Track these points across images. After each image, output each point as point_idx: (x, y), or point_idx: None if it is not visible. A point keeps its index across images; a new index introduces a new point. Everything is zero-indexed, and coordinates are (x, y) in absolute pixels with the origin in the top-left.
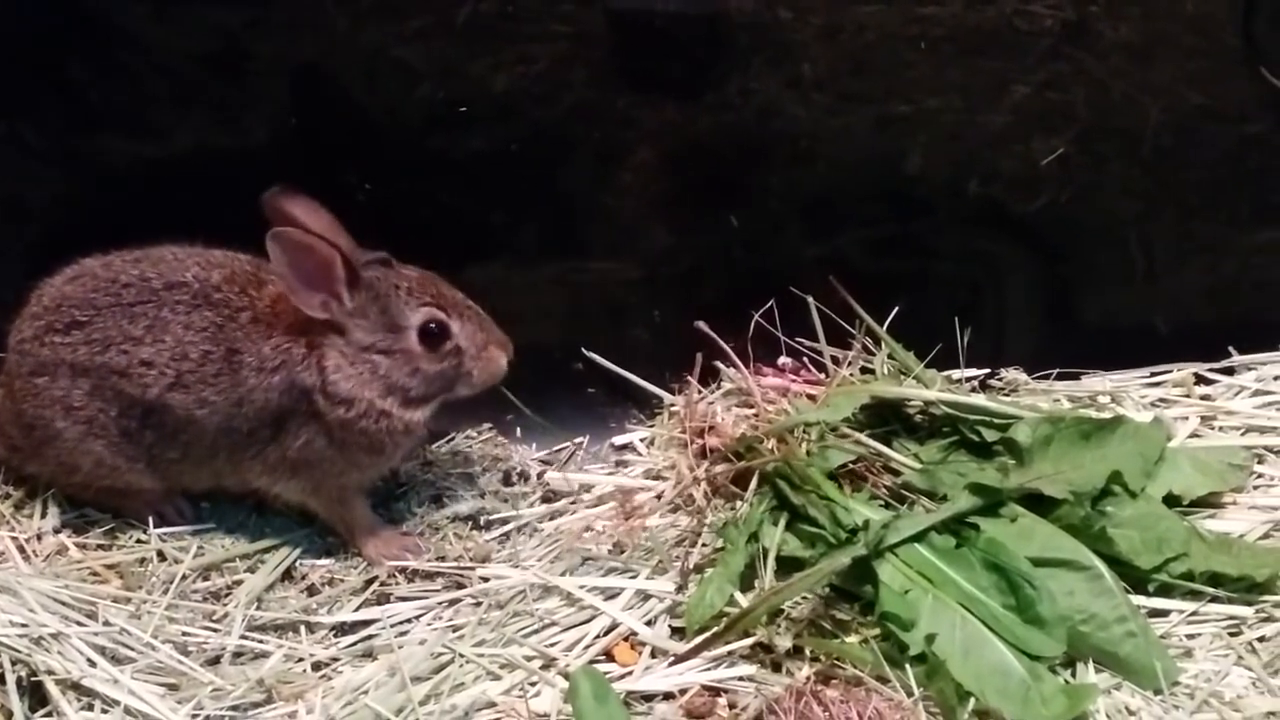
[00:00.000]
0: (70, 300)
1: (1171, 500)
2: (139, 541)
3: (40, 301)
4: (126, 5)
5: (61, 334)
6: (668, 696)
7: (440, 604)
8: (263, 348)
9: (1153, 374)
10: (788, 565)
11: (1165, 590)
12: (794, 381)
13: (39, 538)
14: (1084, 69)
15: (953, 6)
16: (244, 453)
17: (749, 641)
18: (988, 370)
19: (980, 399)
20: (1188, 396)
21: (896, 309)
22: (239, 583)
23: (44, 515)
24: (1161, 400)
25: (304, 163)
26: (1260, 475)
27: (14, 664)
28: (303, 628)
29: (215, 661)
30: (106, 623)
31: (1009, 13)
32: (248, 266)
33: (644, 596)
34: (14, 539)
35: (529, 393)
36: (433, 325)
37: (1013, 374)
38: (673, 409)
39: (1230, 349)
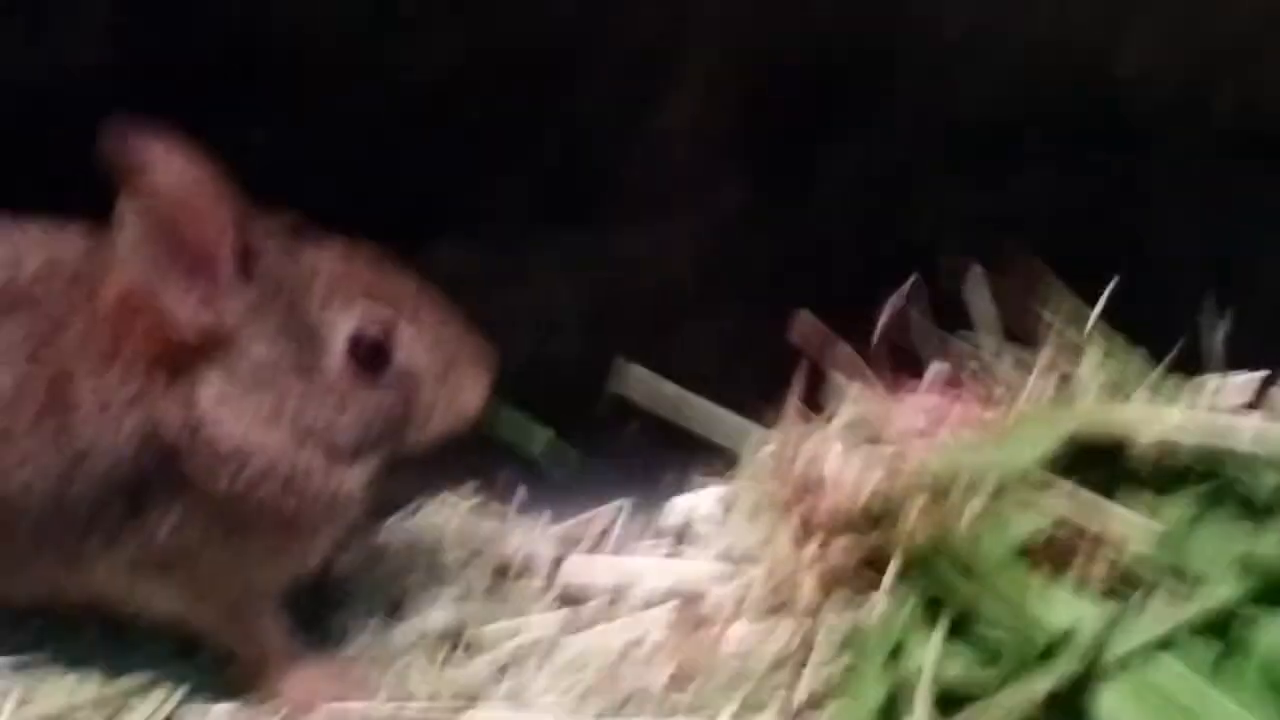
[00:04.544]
0: None
1: None
2: None
3: None
4: None
5: None
6: None
7: None
8: (105, 375)
9: None
10: (952, 698)
11: None
12: (950, 404)
13: None
14: None
15: None
16: (86, 543)
17: None
18: (1264, 375)
19: (1251, 425)
20: None
21: (1110, 287)
22: None
23: None
24: None
25: (164, 91)
26: None
27: None
28: None
29: None
30: None
31: None
32: (81, 249)
33: None
34: None
35: (536, 434)
36: (369, 334)
37: None
38: (761, 454)
39: None
